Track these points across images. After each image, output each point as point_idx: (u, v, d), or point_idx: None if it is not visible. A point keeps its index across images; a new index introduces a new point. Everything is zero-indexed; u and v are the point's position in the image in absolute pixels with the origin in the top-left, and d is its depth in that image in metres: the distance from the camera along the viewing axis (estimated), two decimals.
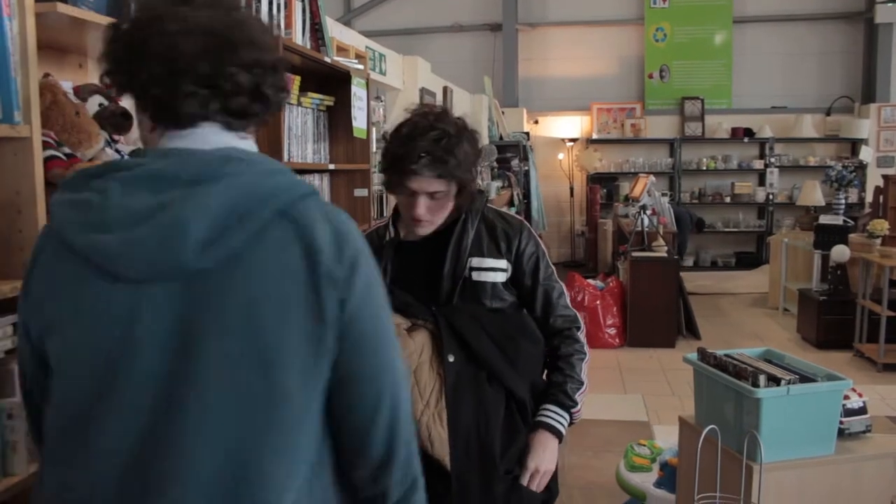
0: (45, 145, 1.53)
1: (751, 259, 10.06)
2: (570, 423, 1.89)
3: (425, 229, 1.79)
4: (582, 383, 1.91)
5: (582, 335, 1.96)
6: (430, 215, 1.76)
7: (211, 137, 1.01)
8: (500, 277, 1.88)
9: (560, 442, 1.85)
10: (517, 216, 2.02)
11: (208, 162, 0.98)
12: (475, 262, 1.84)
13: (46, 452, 1.04)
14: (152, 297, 0.94)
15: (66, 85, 1.79)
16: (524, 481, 1.77)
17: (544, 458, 1.80)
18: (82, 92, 1.83)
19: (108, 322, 0.95)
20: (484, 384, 1.75)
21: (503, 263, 1.88)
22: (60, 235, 0.98)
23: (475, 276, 1.84)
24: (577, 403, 1.89)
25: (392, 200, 2.10)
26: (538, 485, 1.79)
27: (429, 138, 1.67)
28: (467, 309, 1.81)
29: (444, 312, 1.78)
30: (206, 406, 0.94)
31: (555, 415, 1.86)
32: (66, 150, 1.61)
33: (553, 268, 1.97)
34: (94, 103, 1.83)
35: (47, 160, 1.52)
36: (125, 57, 1.00)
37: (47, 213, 1.46)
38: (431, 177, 1.68)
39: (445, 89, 7.16)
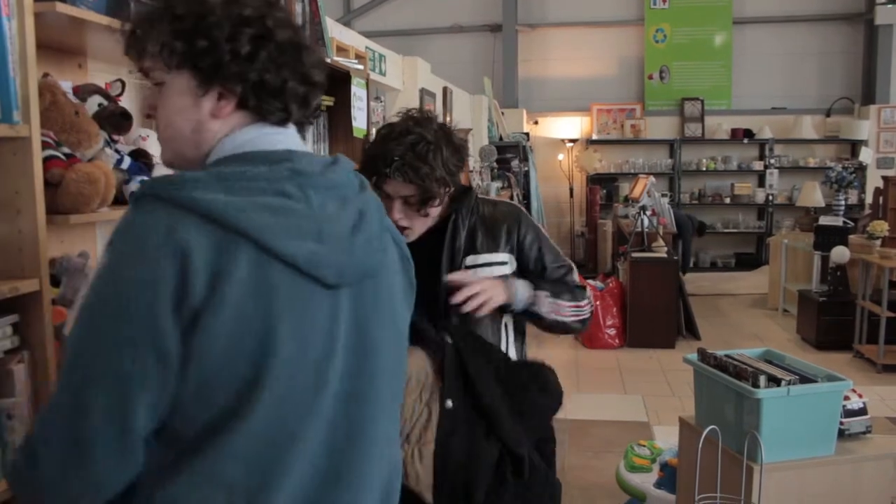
0: (45, 145, 1.52)
1: (750, 260, 10.06)
2: (529, 312, 1.82)
3: (406, 236, 1.73)
4: (559, 299, 1.85)
5: (586, 303, 1.93)
6: (408, 221, 1.73)
7: (298, 138, 1.08)
8: (498, 271, 1.84)
9: (509, 301, 1.77)
10: (511, 202, 1.98)
11: (345, 167, 1.08)
12: (469, 260, 1.83)
13: (218, 474, 0.95)
14: (341, 301, 1.02)
15: (66, 85, 1.78)
16: (452, 278, 1.71)
17: (488, 283, 1.73)
18: (82, 92, 1.83)
19: (319, 330, 1.00)
20: (481, 439, 1.63)
21: (502, 257, 1.86)
22: (260, 240, 0.92)
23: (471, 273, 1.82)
24: (547, 294, 1.82)
25: None
26: (469, 300, 1.69)
27: (404, 143, 1.65)
28: (483, 347, 1.73)
29: (457, 345, 1.67)
30: (378, 395, 1.08)
31: (518, 281, 1.81)
32: (66, 149, 1.61)
33: (557, 247, 1.97)
34: (94, 103, 1.82)
35: (46, 160, 1.51)
36: (253, 43, 0.99)
37: (47, 212, 1.47)
38: (403, 182, 1.66)
39: (445, 90, 7.16)
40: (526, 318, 1.88)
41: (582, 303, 1.92)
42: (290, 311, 0.95)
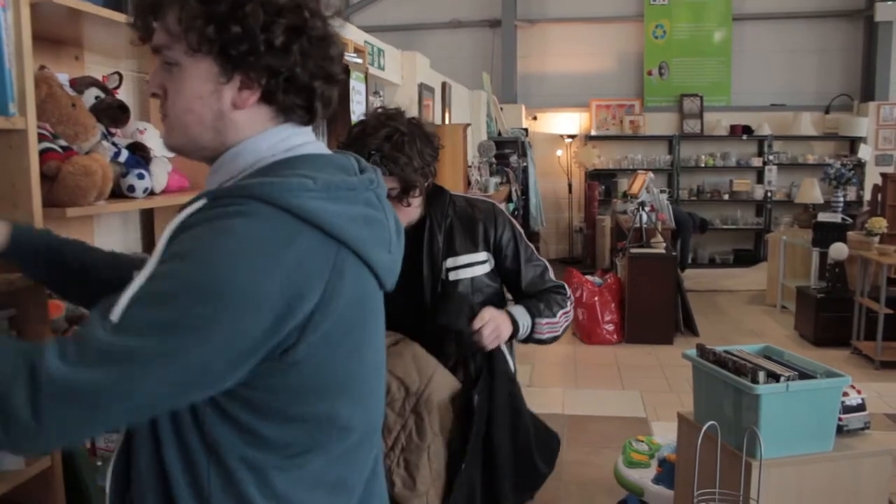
0: (41, 138, 1.51)
1: (749, 256, 10.07)
2: (530, 337, 1.88)
3: None
4: (554, 316, 1.90)
5: (569, 296, 1.97)
6: None
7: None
8: (480, 270, 1.89)
9: (514, 335, 1.85)
10: (487, 199, 2.01)
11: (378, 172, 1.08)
12: (450, 262, 1.86)
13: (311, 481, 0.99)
14: (382, 302, 1.08)
15: (63, 77, 1.77)
16: (476, 326, 1.75)
17: (499, 319, 1.80)
18: (79, 84, 1.82)
19: (380, 333, 1.08)
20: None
21: (481, 256, 1.89)
22: (360, 251, 0.94)
23: (452, 276, 1.86)
24: (542, 316, 1.87)
25: None
26: (488, 336, 1.76)
27: (379, 136, 1.68)
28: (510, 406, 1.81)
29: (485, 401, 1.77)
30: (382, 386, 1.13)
31: (519, 311, 1.87)
32: (62, 142, 1.60)
33: (531, 246, 2.00)
34: (91, 96, 1.81)
35: (43, 153, 1.50)
36: (307, 43, 0.96)
37: (43, 206, 1.46)
38: (383, 175, 1.68)
39: (444, 85, 7.15)
40: (526, 342, 1.94)
41: (568, 306, 1.97)
42: (372, 317, 1.01)
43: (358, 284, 0.95)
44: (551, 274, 1.99)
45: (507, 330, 1.81)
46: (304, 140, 1.01)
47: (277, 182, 0.89)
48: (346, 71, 3.04)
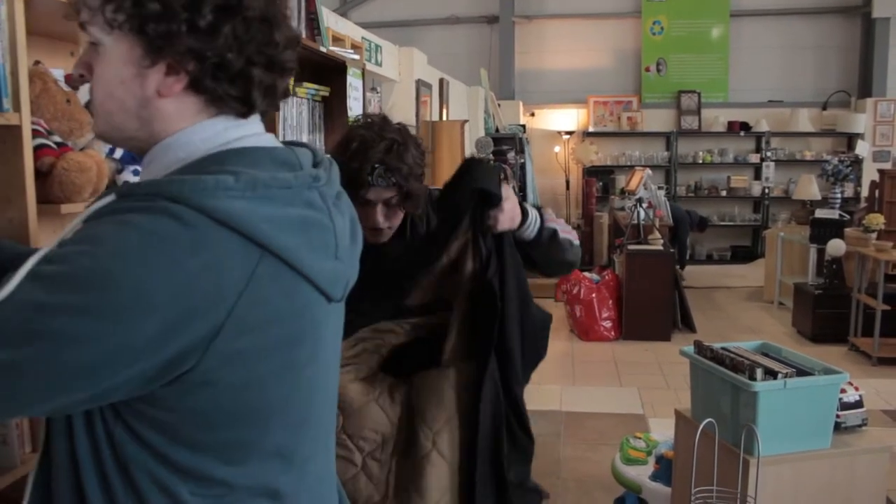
0: (35, 134, 1.50)
1: (746, 253, 10.08)
2: (540, 235, 1.81)
3: (381, 237, 1.79)
4: (556, 225, 1.83)
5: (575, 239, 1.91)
6: (387, 222, 1.77)
7: (263, 128, 0.95)
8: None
9: (523, 221, 1.76)
10: None
11: (334, 166, 0.99)
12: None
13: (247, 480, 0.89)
14: (334, 313, 0.97)
15: (58, 73, 1.76)
16: (504, 194, 1.69)
17: (515, 202, 1.74)
18: (73, 80, 1.80)
19: (329, 349, 0.96)
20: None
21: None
22: (291, 261, 0.83)
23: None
24: (544, 222, 1.81)
25: None
26: (508, 212, 1.70)
27: (380, 149, 1.68)
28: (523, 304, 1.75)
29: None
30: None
31: (526, 205, 1.81)
32: (57, 138, 1.59)
33: None
34: (86, 91, 1.80)
35: (37, 148, 1.49)
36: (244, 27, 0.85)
37: (37, 202, 1.45)
38: (387, 186, 1.69)
39: (441, 81, 7.13)
40: (540, 243, 1.82)
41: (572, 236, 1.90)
42: (312, 333, 0.89)
43: (288, 297, 0.84)
44: None
45: (518, 216, 1.75)
46: (245, 133, 0.90)
47: (191, 180, 0.79)
48: (343, 67, 3.03)
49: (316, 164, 0.95)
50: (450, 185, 1.73)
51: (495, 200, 1.67)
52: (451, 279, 1.70)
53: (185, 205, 0.77)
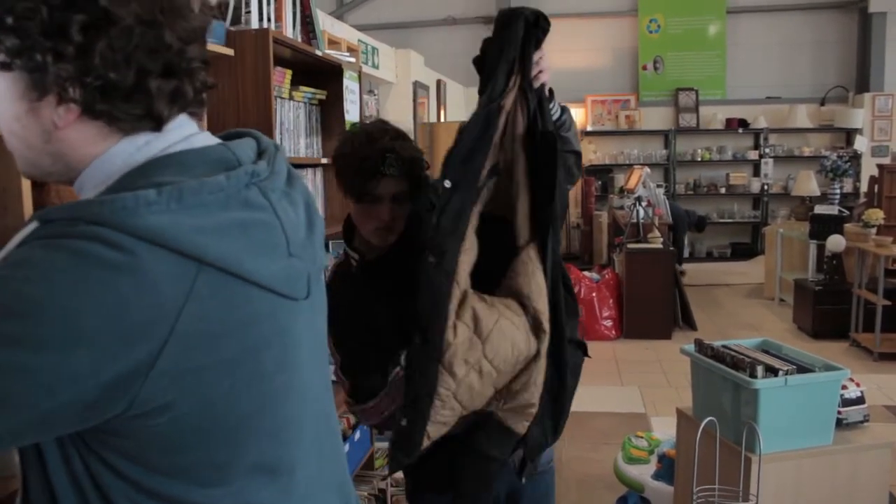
0: None
1: (746, 250, 10.08)
2: (561, 114, 1.76)
3: (388, 238, 1.72)
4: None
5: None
6: (395, 220, 1.71)
7: (194, 125, 0.88)
8: None
9: (551, 96, 1.70)
10: None
11: (280, 153, 0.92)
12: None
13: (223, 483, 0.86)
14: (305, 308, 0.91)
15: None
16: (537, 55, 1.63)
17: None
18: None
19: (300, 349, 0.90)
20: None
21: None
22: (232, 269, 0.78)
23: None
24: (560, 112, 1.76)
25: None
26: (545, 62, 1.66)
27: (387, 138, 1.66)
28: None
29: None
30: (329, 394, 1.02)
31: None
32: None
33: None
34: None
35: None
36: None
37: (34, 209, 1.45)
38: (398, 176, 1.65)
39: (439, 83, 7.14)
40: (564, 123, 1.76)
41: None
42: (278, 338, 0.85)
43: (236, 307, 0.79)
44: None
45: (547, 78, 1.68)
46: (172, 140, 0.83)
47: (110, 201, 0.74)
48: (339, 70, 3.03)
49: (260, 154, 0.88)
50: (496, 31, 1.64)
51: (544, 25, 1.60)
52: (508, 140, 1.62)
53: (108, 227, 0.73)
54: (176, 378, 0.75)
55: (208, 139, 0.87)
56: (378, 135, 1.67)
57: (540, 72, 1.64)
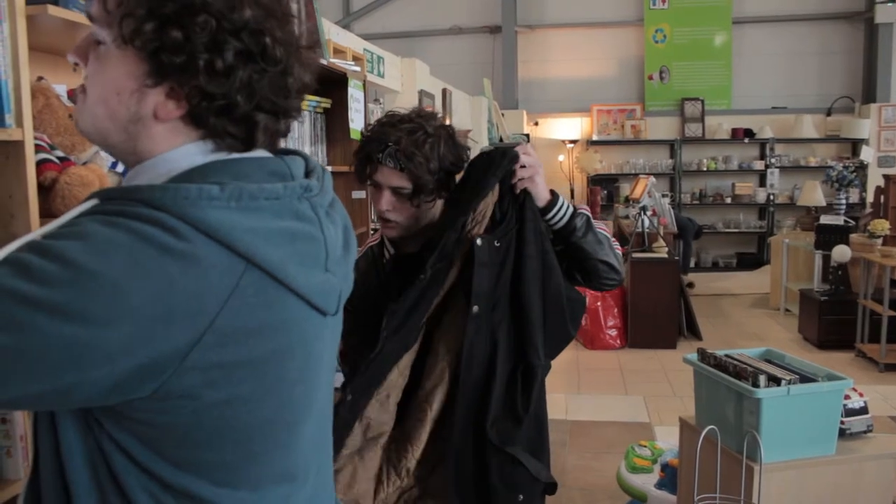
0: (38, 149, 1.52)
1: (752, 260, 10.06)
2: (571, 223, 1.71)
3: (391, 231, 1.69)
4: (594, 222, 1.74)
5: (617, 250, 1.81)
6: (396, 214, 1.66)
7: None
8: None
9: (554, 202, 1.70)
10: None
11: (327, 173, 0.96)
12: None
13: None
14: (330, 326, 0.93)
15: (60, 88, 1.78)
16: (522, 150, 1.65)
17: (539, 169, 1.68)
18: (76, 95, 1.82)
19: (321, 363, 0.93)
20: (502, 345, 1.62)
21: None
22: (277, 274, 0.80)
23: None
24: (578, 207, 1.74)
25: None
26: (527, 160, 1.66)
27: (401, 129, 1.60)
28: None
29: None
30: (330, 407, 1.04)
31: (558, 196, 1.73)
32: (60, 153, 1.61)
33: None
34: None
35: (40, 163, 1.51)
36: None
37: (40, 216, 1.46)
38: (394, 169, 1.60)
39: (445, 91, 7.16)
40: (574, 229, 1.72)
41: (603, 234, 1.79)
42: (302, 349, 0.86)
43: (272, 311, 0.81)
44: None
45: (542, 184, 1.68)
46: (233, 154, 0.87)
47: (174, 188, 0.76)
48: (344, 79, 3.05)
49: (308, 173, 0.91)
50: (471, 168, 1.68)
51: (512, 154, 1.62)
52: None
53: (168, 213, 0.75)
54: (206, 369, 0.76)
55: (264, 152, 0.90)
56: (397, 121, 1.62)
57: (520, 179, 1.64)
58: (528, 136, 9.73)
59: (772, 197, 9.92)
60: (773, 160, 9.90)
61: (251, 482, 0.86)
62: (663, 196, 8.43)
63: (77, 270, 0.70)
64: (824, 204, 7.75)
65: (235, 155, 0.86)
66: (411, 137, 1.60)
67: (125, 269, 0.71)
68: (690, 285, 8.38)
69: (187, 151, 0.84)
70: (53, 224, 0.77)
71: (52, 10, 1.46)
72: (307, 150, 2.91)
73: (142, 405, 0.76)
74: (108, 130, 0.85)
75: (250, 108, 0.84)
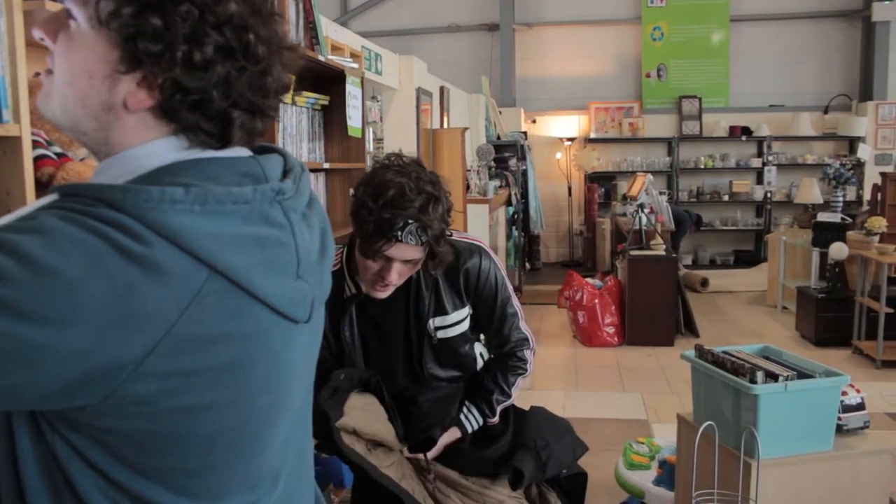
0: (36, 144, 1.52)
1: (749, 257, 10.07)
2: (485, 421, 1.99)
3: (384, 293, 1.71)
4: (509, 397, 1.98)
5: (530, 355, 1.99)
6: (399, 280, 1.69)
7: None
8: (465, 325, 1.89)
9: (464, 432, 1.97)
10: (472, 242, 1.89)
11: (305, 174, 0.93)
12: (437, 321, 1.83)
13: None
14: (304, 333, 0.90)
15: None
16: (430, 455, 1.88)
17: (447, 439, 1.93)
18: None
19: (289, 372, 0.89)
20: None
21: (466, 311, 1.88)
22: (241, 282, 0.77)
23: (441, 334, 1.84)
24: (494, 415, 1.96)
25: None
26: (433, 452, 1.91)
27: (416, 205, 1.57)
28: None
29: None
30: (308, 416, 1.02)
31: (473, 419, 1.94)
32: (57, 149, 1.60)
33: (510, 289, 1.94)
34: None
35: (37, 159, 1.51)
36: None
37: None
38: (414, 244, 1.60)
39: (442, 89, 7.16)
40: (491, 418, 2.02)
41: (527, 369, 2.01)
42: (263, 357, 0.82)
43: (235, 319, 0.77)
44: (523, 323, 1.97)
45: (443, 440, 1.92)
46: (207, 152, 0.83)
47: (135, 189, 0.73)
48: (342, 76, 3.05)
49: (286, 173, 0.88)
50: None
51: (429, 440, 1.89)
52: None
53: (129, 216, 0.72)
54: (162, 378, 0.74)
55: (240, 150, 0.86)
56: (411, 196, 1.57)
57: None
58: (525, 133, 9.72)
59: (769, 194, 9.94)
60: (770, 158, 9.92)
61: (212, 491, 0.83)
62: (661, 194, 8.44)
63: (33, 266, 0.67)
64: (821, 201, 7.76)
65: (209, 153, 0.82)
66: (426, 211, 1.59)
67: (84, 269, 0.68)
68: (705, 283, 8.40)
69: (158, 147, 0.81)
70: (11, 216, 0.73)
71: (50, 5, 1.46)
72: (305, 146, 2.90)
73: (94, 410, 0.73)
74: (79, 117, 0.81)
75: (226, 105, 0.80)
